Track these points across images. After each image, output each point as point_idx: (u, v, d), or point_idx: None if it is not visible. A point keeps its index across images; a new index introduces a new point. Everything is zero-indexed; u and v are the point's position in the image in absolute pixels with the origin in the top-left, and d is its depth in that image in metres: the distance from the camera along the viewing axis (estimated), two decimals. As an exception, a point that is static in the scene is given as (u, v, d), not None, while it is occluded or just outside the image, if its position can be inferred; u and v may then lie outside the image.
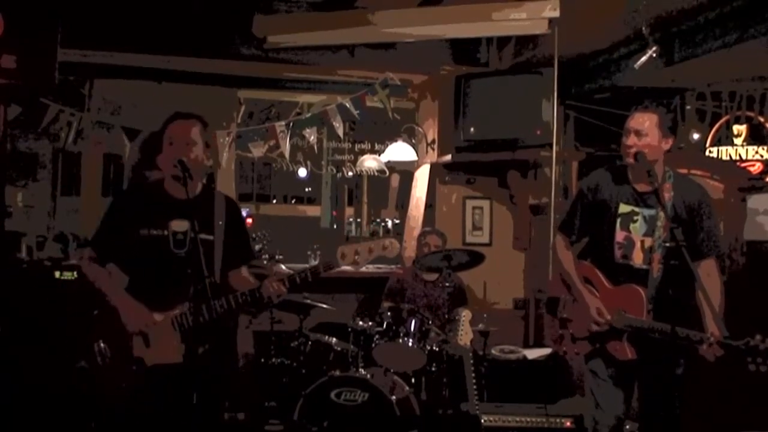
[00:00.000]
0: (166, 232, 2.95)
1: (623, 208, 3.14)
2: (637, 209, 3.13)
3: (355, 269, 3.00)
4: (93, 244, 3.08)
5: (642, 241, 3.10)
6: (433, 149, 6.32)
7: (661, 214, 3.03)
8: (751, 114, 7.22)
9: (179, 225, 2.95)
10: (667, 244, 2.89)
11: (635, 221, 3.11)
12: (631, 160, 3.09)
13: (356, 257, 2.94)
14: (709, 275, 3.00)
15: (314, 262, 5.93)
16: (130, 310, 2.88)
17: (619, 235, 3.13)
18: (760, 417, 4.01)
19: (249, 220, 14.69)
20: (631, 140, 3.08)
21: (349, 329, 4.57)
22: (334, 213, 15.36)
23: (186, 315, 2.86)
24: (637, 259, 3.10)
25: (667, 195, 3.09)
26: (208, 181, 6.30)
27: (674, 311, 2.94)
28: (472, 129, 5.87)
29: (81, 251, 3.11)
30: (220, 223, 3.03)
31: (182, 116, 3.05)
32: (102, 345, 2.89)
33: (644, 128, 3.08)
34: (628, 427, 3.63)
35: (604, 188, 3.21)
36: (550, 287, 3.51)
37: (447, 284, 4.64)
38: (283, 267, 5.35)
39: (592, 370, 3.23)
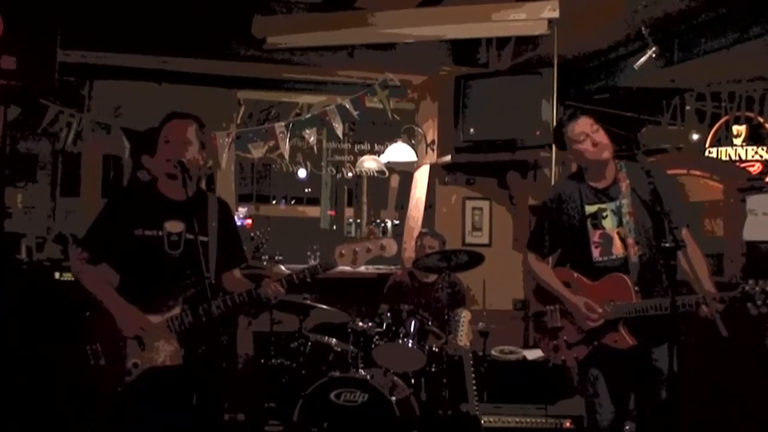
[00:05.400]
0: (160, 233, 2.92)
1: (589, 209, 3.23)
2: (603, 205, 3.22)
3: (353, 268, 2.98)
4: (85, 244, 3.02)
5: (618, 232, 3.18)
6: (433, 150, 6.32)
7: (625, 202, 3.16)
8: (751, 114, 7.23)
9: (174, 226, 2.93)
10: (668, 245, 2.89)
11: (605, 217, 3.21)
12: (604, 157, 3.17)
13: (354, 256, 2.94)
14: (688, 243, 3.05)
15: (314, 263, 5.93)
16: (125, 315, 2.84)
17: (594, 235, 3.21)
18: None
19: (248, 221, 14.69)
20: (587, 143, 3.18)
21: (349, 330, 4.57)
22: (332, 213, 15.35)
23: (182, 317, 2.85)
24: (618, 251, 3.18)
25: (624, 185, 3.19)
26: (207, 182, 6.35)
27: (660, 287, 3.07)
28: (471, 130, 5.86)
29: (73, 251, 3.06)
30: (214, 224, 3.00)
31: (179, 116, 3.02)
32: (95, 347, 2.84)
33: (594, 129, 3.19)
34: (627, 427, 3.63)
35: (565, 197, 3.30)
36: (532, 302, 3.52)
37: (446, 285, 4.64)
38: (283, 268, 5.35)
39: (589, 375, 3.25)
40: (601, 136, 3.18)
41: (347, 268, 3.08)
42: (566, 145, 3.28)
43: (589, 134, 3.18)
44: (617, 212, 3.18)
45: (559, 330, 3.32)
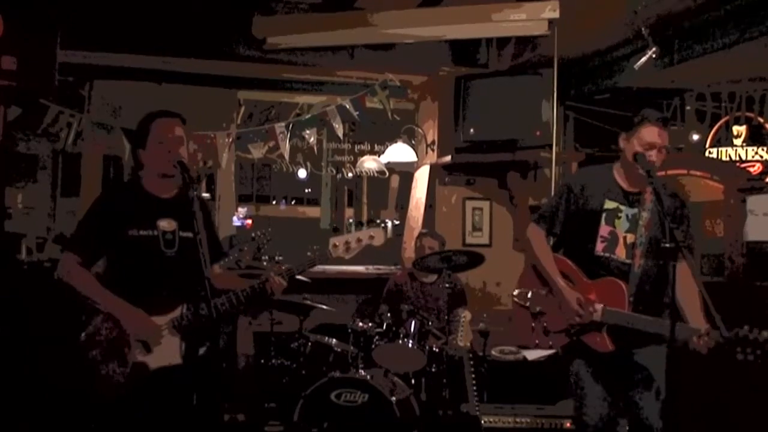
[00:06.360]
0: (155, 232, 2.90)
1: (609, 204, 3.22)
2: (621, 207, 3.21)
3: (346, 257, 3.13)
4: (75, 248, 2.96)
5: (625, 237, 3.18)
6: (433, 150, 6.32)
7: (643, 213, 3.15)
8: (751, 115, 7.23)
9: (167, 224, 2.93)
10: (668, 245, 2.89)
11: (619, 218, 3.21)
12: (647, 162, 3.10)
13: (347, 246, 3.08)
14: (688, 273, 3.04)
15: (310, 255, 5.91)
16: (131, 317, 2.80)
17: (604, 230, 3.20)
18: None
19: (249, 222, 14.69)
20: (655, 157, 3.11)
21: (349, 330, 4.57)
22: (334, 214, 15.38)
23: (185, 316, 2.84)
24: (620, 253, 3.17)
25: (649, 198, 3.16)
26: (207, 183, 6.35)
27: (654, 306, 3.04)
28: (471, 130, 5.87)
29: (64, 258, 2.98)
30: (201, 221, 2.97)
31: (164, 114, 3.00)
32: (95, 348, 2.82)
33: (663, 140, 3.14)
34: (627, 428, 3.62)
35: (591, 185, 3.28)
36: (521, 280, 3.50)
37: (446, 285, 4.64)
38: (283, 269, 5.34)
39: (571, 372, 3.25)
40: (663, 149, 3.13)
41: (349, 269, 3.12)
42: (631, 128, 3.20)
43: (658, 134, 3.12)
44: (632, 219, 3.17)
45: (541, 315, 3.30)
